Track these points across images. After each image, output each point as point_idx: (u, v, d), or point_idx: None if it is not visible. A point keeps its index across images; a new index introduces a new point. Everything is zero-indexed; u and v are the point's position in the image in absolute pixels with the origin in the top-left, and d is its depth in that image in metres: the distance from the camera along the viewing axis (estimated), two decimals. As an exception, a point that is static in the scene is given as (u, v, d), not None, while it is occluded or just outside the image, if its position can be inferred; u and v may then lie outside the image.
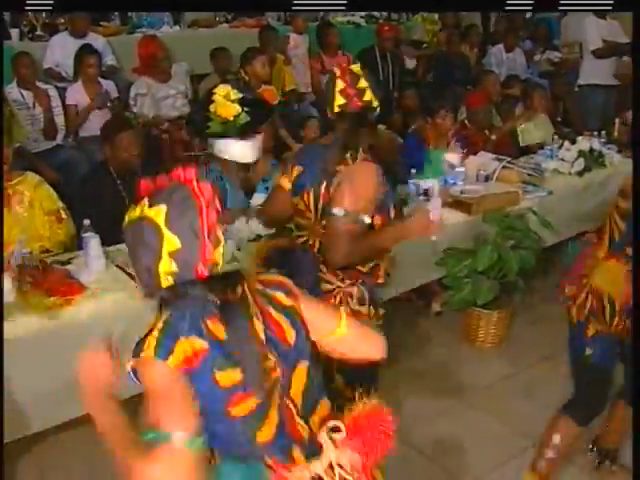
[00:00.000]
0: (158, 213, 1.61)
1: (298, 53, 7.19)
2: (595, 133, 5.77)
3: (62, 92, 5.85)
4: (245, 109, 3.82)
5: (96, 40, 6.43)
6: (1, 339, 2.81)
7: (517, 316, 4.68)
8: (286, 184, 3.02)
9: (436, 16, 8.88)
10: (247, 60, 5.79)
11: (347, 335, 1.93)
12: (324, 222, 2.76)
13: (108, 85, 5.98)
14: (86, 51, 5.89)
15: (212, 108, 3.82)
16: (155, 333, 1.65)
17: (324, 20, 8.24)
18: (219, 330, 1.68)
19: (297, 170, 2.96)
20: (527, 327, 4.69)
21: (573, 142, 5.41)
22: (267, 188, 4.36)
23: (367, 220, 2.68)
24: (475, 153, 5.04)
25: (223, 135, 3.85)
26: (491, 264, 4.16)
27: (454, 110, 5.32)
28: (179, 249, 1.61)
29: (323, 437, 1.80)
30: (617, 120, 6.02)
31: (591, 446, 3.52)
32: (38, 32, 6.79)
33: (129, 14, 7.90)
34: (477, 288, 4.19)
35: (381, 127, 5.74)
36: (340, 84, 2.80)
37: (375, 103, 2.82)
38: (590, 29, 7.33)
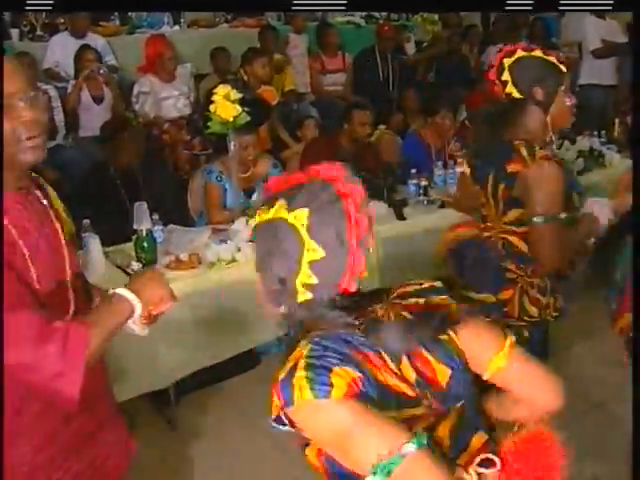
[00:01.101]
0: (299, 217, 1.41)
1: (297, 53, 7.19)
2: (595, 133, 5.77)
3: (62, 92, 5.84)
4: (245, 109, 3.83)
5: (96, 40, 6.43)
6: (1, 338, 2.80)
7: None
8: (466, 169, 2.93)
9: (436, 16, 8.87)
10: (247, 61, 5.80)
11: (507, 369, 1.56)
12: (506, 219, 2.69)
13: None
14: (86, 51, 5.88)
15: (212, 108, 3.84)
16: (300, 373, 1.37)
17: (324, 20, 8.23)
18: (366, 362, 1.41)
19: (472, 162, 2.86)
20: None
21: (573, 142, 5.41)
22: (267, 189, 4.36)
23: (563, 216, 2.61)
24: (475, 153, 5.04)
25: (223, 135, 3.87)
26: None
27: (454, 110, 5.33)
28: (322, 259, 1.41)
29: (470, 474, 1.50)
30: (617, 120, 6.02)
31: None
32: (38, 32, 6.78)
33: (129, 14, 7.91)
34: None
35: (381, 127, 5.76)
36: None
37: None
38: (589, 29, 7.34)
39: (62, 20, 6.83)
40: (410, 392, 1.44)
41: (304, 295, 1.44)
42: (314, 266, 1.41)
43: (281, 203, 1.44)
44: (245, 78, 5.67)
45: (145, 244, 3.57)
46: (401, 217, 4.19)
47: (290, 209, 1.42)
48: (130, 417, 3.66)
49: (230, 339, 3.74)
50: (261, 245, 1.49)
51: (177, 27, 7.72)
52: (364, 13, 8.64)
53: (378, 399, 1.39)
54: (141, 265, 3.54)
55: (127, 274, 3.48)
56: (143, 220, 3.63)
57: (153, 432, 3.71)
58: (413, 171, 4.50)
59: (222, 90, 3.83)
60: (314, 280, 1.42)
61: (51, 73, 6.20)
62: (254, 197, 3.96)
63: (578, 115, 6.73)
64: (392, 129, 6.01)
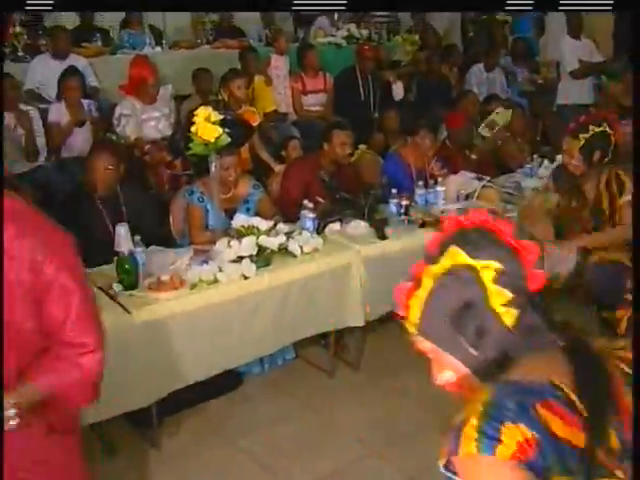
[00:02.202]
0: (487, 271, 1.34)
1: (279, 74, 7.22)
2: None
3: (43, 113, 5.85)
4: (226, 130, 3.85)
5: (77, 61, 6.45)
6: (1, 338, 2.79)
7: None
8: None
9: (417, 37, 8.96)
10: (226, 82, 5.83)
11: None
12: None
13: (90, 104, 5.96)
14: (69, 73, 5.89)
15: (193, 130, 3.86)
16: (472, 422, 1.25)
17: (305, 41, 8.30)
18: (553, 421, 1.24)
19: None
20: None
21: (552, 161, 5.47)
22: (248, 209, 4.39)
23: None
24: (456, 172, 5.08)
25: (204, 156, 3.89)
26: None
27: (434, 130, 5.38)
28: (510, 300, 1.33)
29: None
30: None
31: None
32: (20, 53, 6.79)
33: (111, 35, 7.94)
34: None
35: (362, 147, 5.80)
36: None
37: None
38: (566, 50, 7.45)
39: (44, 42, 6.85)
40: (604, 459, 1.26)
41: (510, 317, 1.33)
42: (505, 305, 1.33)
43: (457, 250, 1.36)
44: (225, 99, 5.69)
45: (127, 266, 3.57)
46: (382, 237, 4.21)
47: (473, 258, 1.34)
48: (112, 438, 3.68)
49: (211, 359, 3.74)
50: (443, 297, 1.36)
51: (159, 48, 7.76)
52: (345, 34, 8.71)
53: (558, 460, 1.23)
54: (123, 287, 3.54)
55: (109, 296, 3.48)
56: (124, 242, 3.64)
57: (135, 453, 3.70)
58: (394, 191, 4.53)
59: (203, 112, 3.85)
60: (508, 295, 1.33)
61: (33, 94, 6.21)
62: (235, 218, 3.97)
63: (557, 134, 6.85)
64: (373, 149, 6.04)
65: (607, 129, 3.80)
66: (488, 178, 5.00)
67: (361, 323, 4.19)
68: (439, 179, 4.90)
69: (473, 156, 5.58)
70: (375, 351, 4.62)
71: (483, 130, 5.88)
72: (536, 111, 7.05)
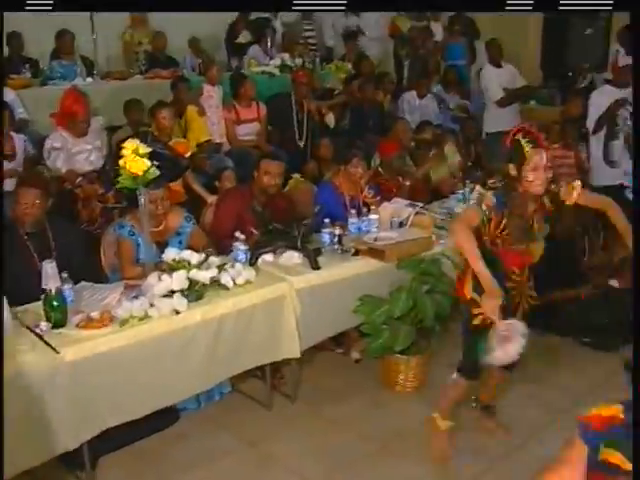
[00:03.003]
0: None
1: (212, 104, 7.18)
2: (504, 177, 5.91)
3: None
4: (154, 163, 3.81)
5: (6, 94, 6.31)
6: (1, 337, 2.73)
7: (435, 360, 4.70)
8: None
9: (349, 65, 9.05)
10: (153, 112, 5.78)
11: None
12: None
13: (20, 140, 5.84)
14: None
15: (121, 163, 3.80)
16: None
17: (238, 71, 8.30)
18: None
19: None
20: (445, 371, 4.69)
21: (484, 185, 5.53)
22: (180, 242, 4.34)
23: None
24: (389, 200, 5.11)
25: (133, 189, 3.84)
26: (407, 310, 4.21)
27: (367, 158, 5.41)
28: None
29: None
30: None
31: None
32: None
33: (41, 66, 7.83)
34: (394, 334, 4.22)
35: (296, 176, 5.80)
36: None
37: None
38: (488, 79, 7.58)
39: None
40: None
41: None
42: None
43: None
44: (154, 131, 5.63)
45: (54, 303, 3.48)
46: (316, 267, 4.20)
47: None
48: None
49: (144, 397, 3.66)
50: None
51: (90, 79, 7.67)
52: (278, 63, 8.75)
53: None
54: (50, 325, 3.45)
55: (37, 335, 3.39)
56: (51, 278, 3.55)
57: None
58: (326, 220, 4.52)
59: (131, 144, 3.80)
60: None
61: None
62: (166, 251, 3.92)
63: (488, 161, 6.96)
64: (307, 177, 6.05)
65: None
66: (421, 204, 5.04)
67: (297, 355, 4.15)
68: (372, 207, 4.91)
69: (407, 183, 5.62)
70: (312, 382, 4.60)
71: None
72: (468, 136, 7.15)
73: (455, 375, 3.75)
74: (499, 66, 7.61)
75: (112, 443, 3.79)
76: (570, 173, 5.73)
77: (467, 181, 5.80)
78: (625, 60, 7.00)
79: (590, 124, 6.76)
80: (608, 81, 7.18)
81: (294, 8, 6.00)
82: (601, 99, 6.77)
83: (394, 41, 10.44)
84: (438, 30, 10.21)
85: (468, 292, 3.53)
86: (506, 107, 7.51)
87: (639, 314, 2.57)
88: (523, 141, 3.33)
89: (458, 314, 4.68)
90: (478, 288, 3.37)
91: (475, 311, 3.47)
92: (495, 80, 7.53)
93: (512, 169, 3.37)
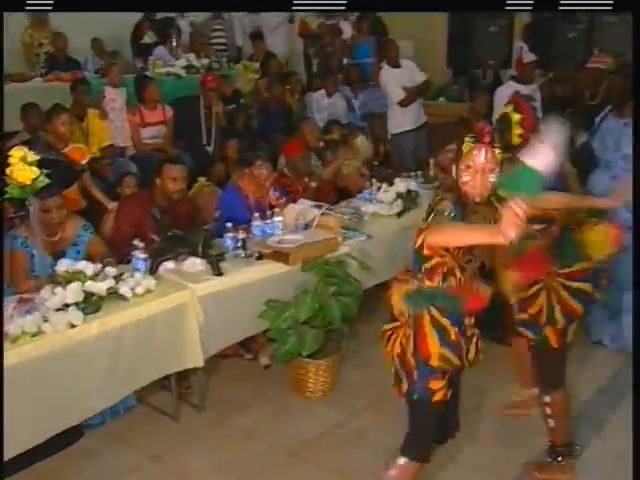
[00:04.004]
0: None
1: (115, 107, 6.99)
2: (412, 174, 5.94)
3: None
4: (44, 171, 3.65)
5: None
6: (1, 337, 2.78)
7: (345, 363, 4.67)
8: None
9: (257, 65, 8.95)
10: (49, 118, 5.56)
11: None
12: None
13: None
14: None
15: (8, 172, 3.63)
16: None
17: (142, 72, 8.11)
18: None
19: None
20: (355, 373, 4.68)
21: (391, 184, 5.53)
22: (78, 252, 4.19)
23: None
24: (295, 201, 5.04)
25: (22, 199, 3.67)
26: (313, 313, 4.15)
27: (273, 159, 5.33)
28: None
29: None
30: (432, 160, 6.22)
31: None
32: None
33: None
34: (301, 339, 4.16)
35: (201, 179, 5.68)
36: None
37: None
38: (388, 81, 7.57)
39: None
40: None
41: None
42: None
43: None
44: (48, 138, 5.41)
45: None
46: (219, 273, 4.10)
47: None
48: None
49: (41, 420, 3.48)
50: None
51: (-15, 82, 7.36)
52: (184, 63, 8.59)
53: None
54: None
55: None
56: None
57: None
58: (229, 225, 4.42)
59: (18, 152, 3.63)
60: None
61: None
62: (59, 263, 3.76)
63: (395, 160, 6.96)
64: (214, 180, 5.92)
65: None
66: (327, 205, 4.98)
67: (201, 363, 4.04)
68: (277, 209, 4.83)
69: (313, 184, 5.55)
70: (220, 390, 4.50)
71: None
72: (377, 135, 7.14)
73: (402, 460, 3.17)
74: (397, 66, 7.60)
75: (12, 464, 3.60)
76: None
77: (374, 180, 5.75)
78: (529, 57, 7.16)
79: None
80: (513, 77, 7.29)
81: (294, 8, 5.84)
82: (505, 95, 6.87)
83: (304, 40, 10.40)
84: (347, 28, 10.22)
85: (434, 349, 2.94)
86: (408, 106, 7.51)
87: (639, 313, 2.60)
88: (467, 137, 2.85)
89: (367, 314, 4.69)
90: (445, 339, 2.93)
91: (436, 384, 3.01)
92: (394, 81, 7.52)
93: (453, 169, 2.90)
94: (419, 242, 2.91)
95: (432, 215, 2.80)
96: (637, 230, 2.86)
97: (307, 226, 4.77)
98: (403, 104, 7.48)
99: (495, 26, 10.05)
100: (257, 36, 9.63)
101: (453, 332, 2.95)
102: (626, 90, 4.82)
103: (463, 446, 3.84)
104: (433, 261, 2.91)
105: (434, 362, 2.93)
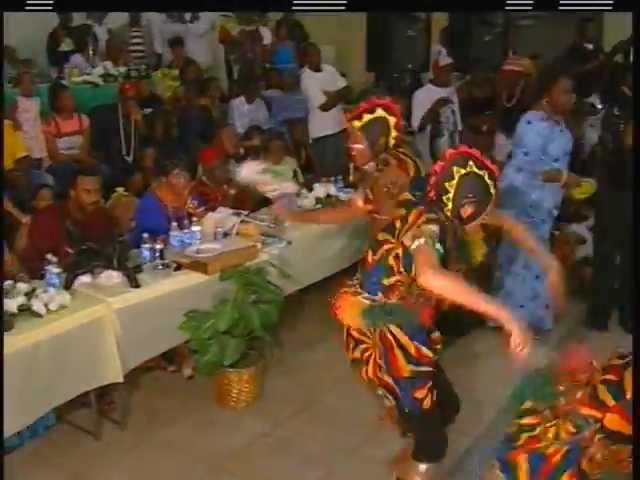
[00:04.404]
0: None
1: (29, 117, 6.82)
2: (332, 179, 5.96)
3: None
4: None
5: None
6: (1, 341, 2.84)
7: (269, 371, 4.64)
8: None
9: (177, 72, 8.84)
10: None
11: None
12: None
13: None
14: None
15: None
16: None
17: (57, 81, 7.93)
18: None
19: None
20: (280, 380, 4.65)
21: (310, 190, 5.53)
22: (-11, 268, 4.05)
23: None
24: (214, 210, 4.98)
25: None
26: (233, 322, 4.11)
27: (192, 167, 5.26)
28: None
29: None
30: (351, 165, 6.22)
31: None
32: None
33: None
34: (223, 349, 4.12)
35: (119, 190, 5.58)
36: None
37: None
38: (309, 85, 7.58)
39: None
40: None
41: None
42: None
43: None
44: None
45: None
46: (136, 285, 4.02)
47: None
48: None
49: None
50: None
51: None
52: (102, 71, 8.43)
53: None
54: None
55: None
56: None
57: None
58: (145, 235, 4.33)
59: None
60: None
61: None
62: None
63: (316, 165, 6.95)
64: (132, 190, 5.81)
65: (383, 114, 3.58)
66: (246, 212, 4.95)
67: (120, 379, 3.95)
68: (195, 218, 4.76)
69: (232, 191, 5.49)
70: (143, 404, 4.41)
71: None
72: (298, 140, 7.13)
73: (422, 467, 3.23)
74: (318, 70, 7.62)
75: None
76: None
77: (296, 186, 5.72)
78: (445, 60, 7.27)
79: (415, 122, 6.95)
80: (431, 80, 7.39)
81: (294, 8, 5.74)
82: (423, 98, 6.98)
83: (224, 47, 10.32)
84: (267, 34, 10.19)
85: (404, 367, 3.04)
86: (329, 110, 7.52)
87: (639, 313, 2.62)
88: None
89: (290, 320, 4.67)
90: (411, 358, 3.02)
91: (421, 392, 3.10)
92: (316, 85, 7.53)
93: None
94: (390, 261, 2.97)
95: (418, 239, 2.76)
96: (637, 231, 2.93)
97: (226, 234, 4.73)
98: (324, 108, 7.49)
99: (413, 30, 10.18)
100: (176, 42, 9.49)
101: (413, 347, 3.01)
102: (539, 91, 4.95)
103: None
104: (393, 279, 2.99)
105: (408, 374, 3.04)
